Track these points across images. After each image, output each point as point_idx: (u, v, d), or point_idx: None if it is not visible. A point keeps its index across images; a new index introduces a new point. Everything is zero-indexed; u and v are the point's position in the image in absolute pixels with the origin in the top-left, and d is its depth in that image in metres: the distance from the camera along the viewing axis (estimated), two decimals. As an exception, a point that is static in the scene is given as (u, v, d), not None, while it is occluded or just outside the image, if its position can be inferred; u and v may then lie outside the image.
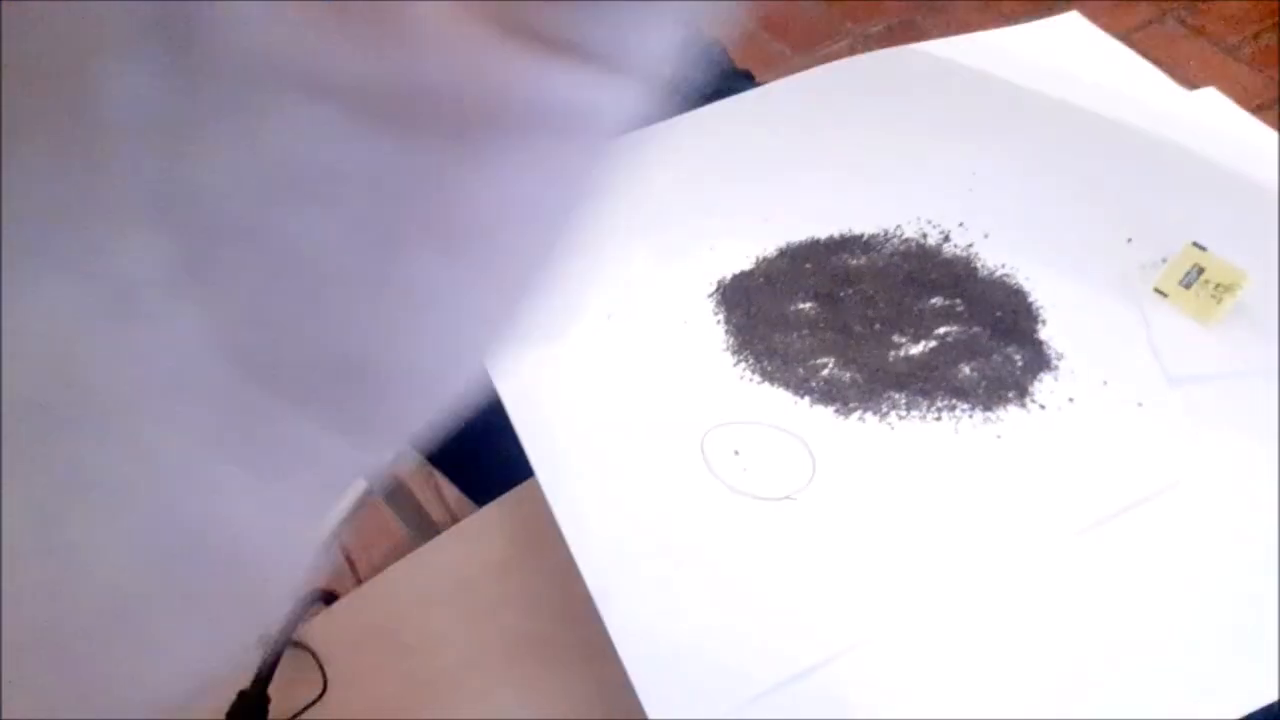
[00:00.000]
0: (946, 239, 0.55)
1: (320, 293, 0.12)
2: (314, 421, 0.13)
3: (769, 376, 0.49)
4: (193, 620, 0.14)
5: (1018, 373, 0.48)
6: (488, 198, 0.12)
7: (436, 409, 0.14)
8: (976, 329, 0.50)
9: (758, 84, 0.76)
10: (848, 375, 0.49)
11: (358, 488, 1.26)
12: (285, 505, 0.14)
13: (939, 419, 0.47)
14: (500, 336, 0.14)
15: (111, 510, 0.12)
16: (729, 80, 0.82)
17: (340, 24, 0.10)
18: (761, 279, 0.54)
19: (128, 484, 0.12)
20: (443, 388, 0.14)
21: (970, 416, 0.46)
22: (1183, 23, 1.72)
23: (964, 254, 0.54)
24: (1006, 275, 0.52)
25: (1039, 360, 0.48)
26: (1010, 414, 0.46)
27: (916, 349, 0.50)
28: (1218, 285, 0.49)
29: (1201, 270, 0.49)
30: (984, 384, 0.47)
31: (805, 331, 0.51)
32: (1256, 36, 1.69)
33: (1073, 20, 0.68)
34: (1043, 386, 0.47)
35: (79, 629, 0.13)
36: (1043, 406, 0.46)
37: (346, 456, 0.14)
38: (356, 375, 0.13)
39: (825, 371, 0.49)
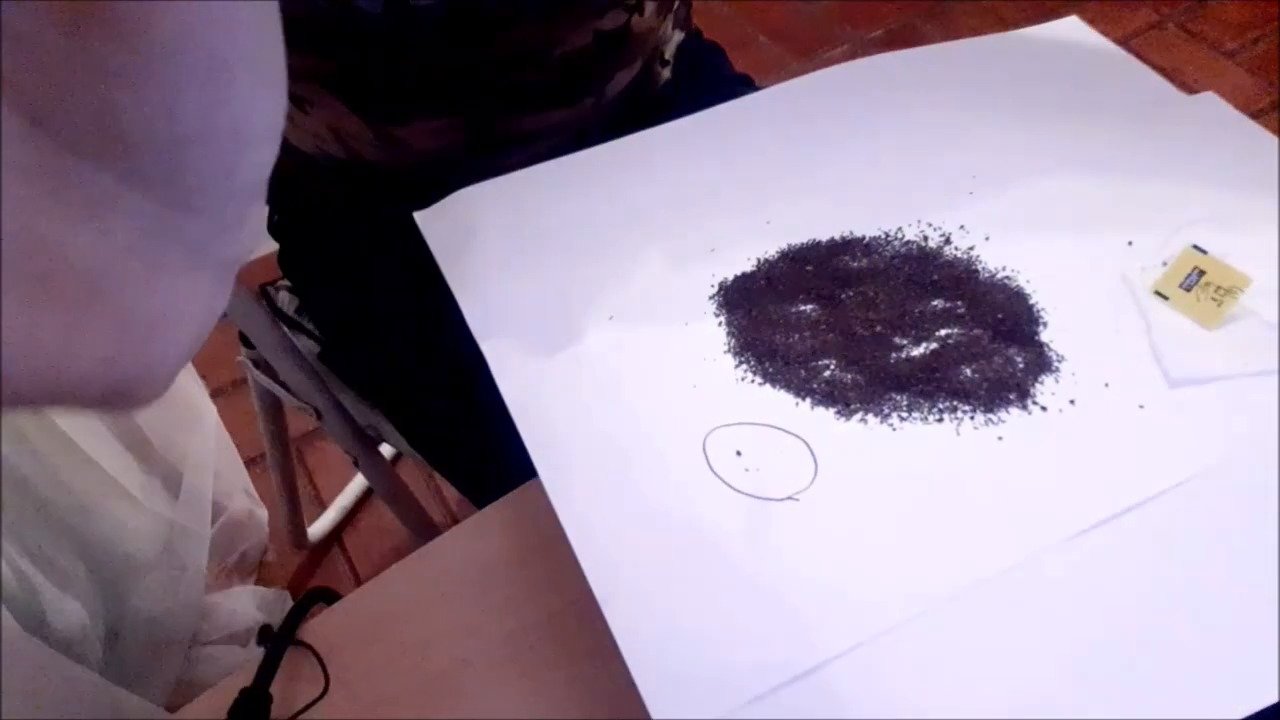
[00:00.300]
0: (948, 241, 0.55)
1: (56, 72, 0.17)
2: (109, 173, 0.18)
3: (770, 378, 0.49)
4: (40, 310, 0.18)
5: (1019, 375, 0.48)
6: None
7: (218, 174, 0.20)
8: (978, 331, 0.50)
9: (757, 88, 0.76)
10: (849, 377, 0.49)
11: (355, 493, 1.25)
12: (110, 241, 0.19)
13: (940, 420, 0.47)
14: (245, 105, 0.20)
15: None
16: (729, 85, 0.83)
17: None
18: (763, 280, 0.54)
19: None
20: (211, 151, 0.20)
21: (972, 418, 0.47)
22: (1182, 28, 1.72)
23: (965, 256, 0.54)
24: (1008, 278, 0.52)
25: (1040, 362, 0.48)
26: (1011, 416, 0.46)
27: (918, 351, 0.50)
28: (1218, 288, 0.49)
29: (1202, 273, 0.50)
30: (985, 386, 0.48)
31: (806, 333, 0.51)
32: (1255, 42, 1.69)
33: (1072, 25, 0.69)
34: (1044, 388, 0.47)
35: None
36: (1044, 408, 0.47)
37: (155, 211, 0.20)
38: (131, 142, 0.18)
39: (827, 373, 0.49)
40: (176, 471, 0.99)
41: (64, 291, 0.19)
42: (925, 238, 0.55)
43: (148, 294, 0.21)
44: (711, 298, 0.53)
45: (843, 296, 0.53)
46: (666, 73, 0.80)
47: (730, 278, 0.54)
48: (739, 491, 0.45)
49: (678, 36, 0.80)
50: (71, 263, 0.19)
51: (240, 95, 0.19)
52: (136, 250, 0.20)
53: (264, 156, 0.21)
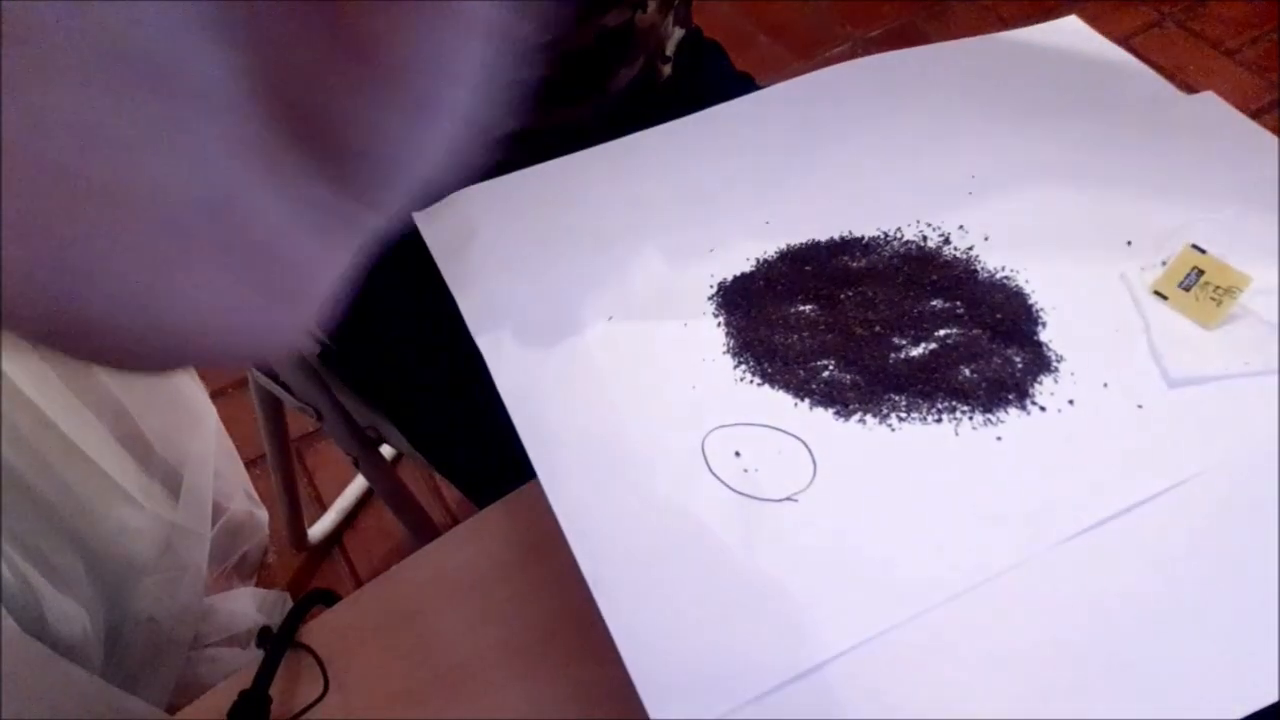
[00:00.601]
0: (947, 241, 0.55)
1: (308, 82, 0.20)
2: (309, 165, 0.21)
3: (769, 378, 0.49)
4: (217, 275, 0.21)
5: (1018, 375, 0.48)
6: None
7: (391, 188, 0.23)
8: (977, 331, 0.50)
9: (758, 87, 0.76)
10: (848, 377, 0.49)
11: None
12: (294, 220, 0.22)
13: (939, 421, 0.47)
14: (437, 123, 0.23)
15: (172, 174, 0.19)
16: (729, 84, 0.83)
17: None
18: (762, 281, 0.54)
19: (189, 181, 0.19)
20: (404, 153, 0.23)
21: (970, 418, 0.47)
22: (1182, 26, 1.72)
23: (964, 256, 0.54)
24: (1007, 278, 0.52)
25: (1039, 362, 0.48)
26: (1010, 416, 0.46)
27: (917, 351, 0.50)
28: (1218, 288, 0.49)
29: (1202, 273, 0.49)
30: (984, 386, 0.48)
31: (805, 333, 0.51)
32: (1255, 40, 1.69)
33: (1072, 24, 0.69)
34: (1043, 388, 0.47)
35: (129, 254, 0.19)
36: (1043, 408, 0.47)
37: (329, 203, 0.23)
38: (338, 147, 0.22)
39: (826, 373, 0.49)
40: (177, 472, 0.99)
41: (243, 257, 0.21)
42: (924, 238, 0.55)
43: (301, 271, 0.24)
44: (710, 298, 0.53)
45: (842, 297, 0.53)
46: (668, 69, 0.79)
47: (729, 278, 0.54)
48: (738, 492, 0.45)
49: (678, 33, 0.80)
50: (259, 232, 0.21)
51: (430, 135, 0.23)
52: (309, 232, 0.23)
53: (433, 180, 0.24)
